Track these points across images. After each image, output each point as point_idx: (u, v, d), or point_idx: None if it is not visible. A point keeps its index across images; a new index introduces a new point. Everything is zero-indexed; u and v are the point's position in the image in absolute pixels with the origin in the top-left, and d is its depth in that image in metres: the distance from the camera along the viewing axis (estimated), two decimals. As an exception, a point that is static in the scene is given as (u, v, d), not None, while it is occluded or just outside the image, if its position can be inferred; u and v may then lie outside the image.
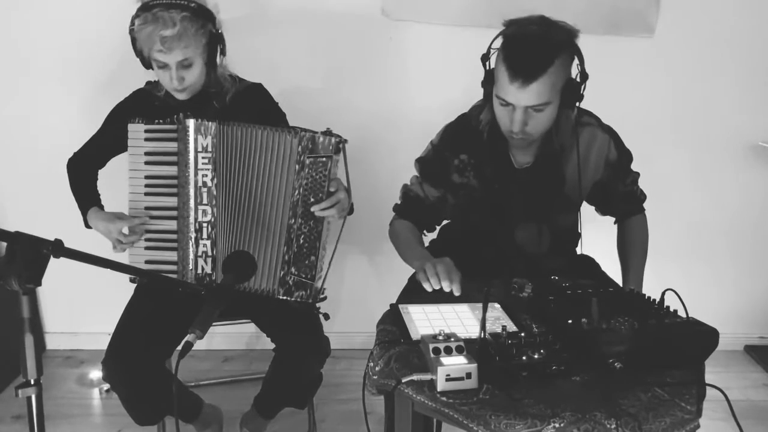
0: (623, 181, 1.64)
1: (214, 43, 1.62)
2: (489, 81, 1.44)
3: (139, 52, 1.60)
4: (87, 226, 1.68)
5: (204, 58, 1.61)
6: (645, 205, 1.72)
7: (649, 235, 1.70)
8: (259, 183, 1.57)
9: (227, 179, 1.58)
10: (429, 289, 1.38)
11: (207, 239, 1.59)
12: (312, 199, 1.54)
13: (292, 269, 1.58)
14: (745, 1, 2.28)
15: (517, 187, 1.56)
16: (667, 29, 2.28)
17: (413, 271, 1.62)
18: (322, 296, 1.62)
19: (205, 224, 1.58)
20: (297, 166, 1.52)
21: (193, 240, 1.58)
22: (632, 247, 1.68)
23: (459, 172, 1.58)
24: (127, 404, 1.63)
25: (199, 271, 1.59)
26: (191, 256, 1.59)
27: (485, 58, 1.44)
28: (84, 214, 1.67)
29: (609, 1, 2.23)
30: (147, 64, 1.62)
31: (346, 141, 1.52)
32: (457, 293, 1.36)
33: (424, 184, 1.62)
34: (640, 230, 1.70)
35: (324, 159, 1.51)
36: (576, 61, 1.41)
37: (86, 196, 1.71)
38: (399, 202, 1.69)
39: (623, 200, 1.68)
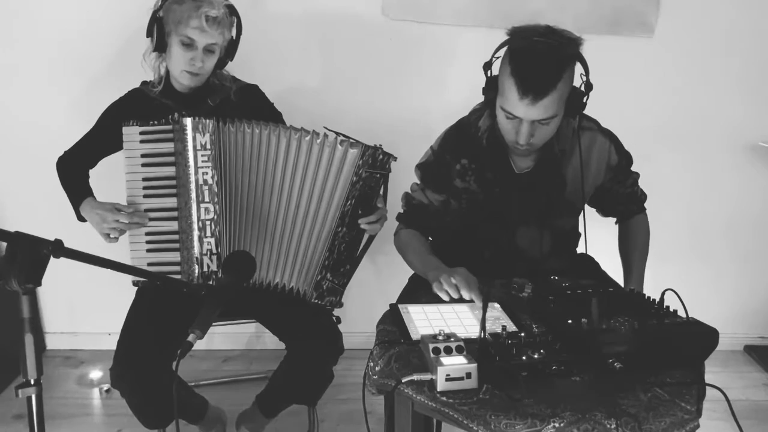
0: (624, 184, 1.64)
1: (232, 45, 1.71)
2: (491, 89, 1.42)
3: (158, 30, 1.62)
4: (79, 218, 1.66)
5: (221, 52, 1.68)
6: (645, 204, 1.72)
7: (650, 234, 1.71)
8: (269, 182, 1.59)
9: (229, 176, 1.59)
10: (446, 299, 1.37)
11: (211, 237, 1.59)
12: (360, 211, 1.56)
13: (328, 275, 1.61)
14: (744, 1, 2.28)
15: (518, 191, 1.55)
16: (667, 29, 2.28)
17: (413, 271, 1.63)
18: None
19: (208, 222, 1.58)
20: (354, 178, 1.54)
21: (197, 238, 1.58)
22: (633, 246, 1.68)
23: (460, 176, 1.57)
24: (136, 410, 1.62)
25: (205, 269, 1.59)
26: (196, 254, 1.59)
27: (487, 66, 1.43)
28: (77, 205, 1.66)
29: (609, 1, 2.23)
30: (161, 40, 1.63)
31: (395, 159, 1.57)
32: (477, 301, 1.35)
33: (427, 191, 1.61)
34: (641, 229, 1.70)
35: (378, 175, 1.55)
36: (581, 71, 1.40)
37: (78, 190, 1.69)
38: (402, 211, 1.67)
39: (624, 201, 1.68)
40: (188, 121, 1.55)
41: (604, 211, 1.72)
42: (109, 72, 2.24)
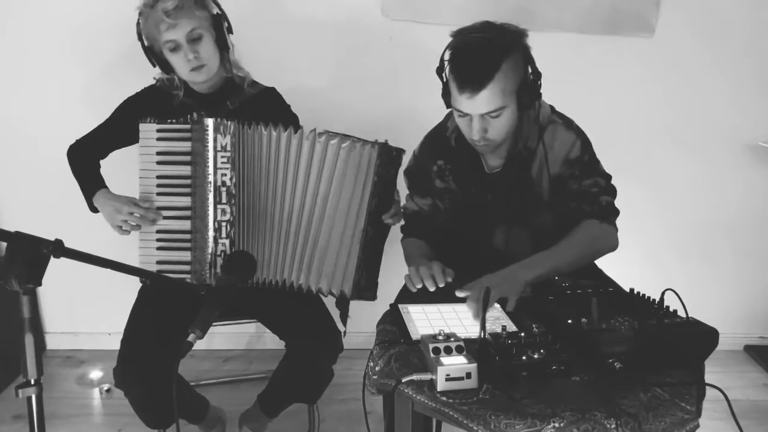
0: (580, 182, 1.48)
1: (219, 19, 1.65)
2: (446, 92, 1.43)
3: (150, 51, 1.62)
4: (91, 208, 1.66)
5: (212, 33, 1.63)
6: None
7: (600, 244, 1.47)
8: (301, 185, 1.60)
9: (248, 179, 1.59)
10: (413, 290, 1.39)
11: (225, 238, 1.59)
12: (381, 208, 1.60)
13: (364, 273, 1.64)
14: (744, 1, 2.28)
15: (491, 192, 1.56)
16: (667, 29, 2.28)
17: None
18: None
19: (224, 223, 1.58)
20: (375, 177, 1.56)
21: (211, 239, 1.58)
22: (565, 239, 1.43)
23: (439, 177, 1.59)
24: (139, 409, 1.62)
25: (218, 269, 1.59)
26: (210, 255, 1.59)
27: (440, 70, 1.43)
28: (90, 195, 1.64)
29: (609, 1, 2.23)
30: (162, 62, 1.63)
31: (404, 152, 1.60)
32: (441, 285, 1.37)
33: (415, 197, 1.64)
34: (586, 232, 1.44)
35: (393, 171, 1.58)
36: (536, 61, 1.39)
37: (92, 179, 1.68)
38: (402, 223, 1.70)
39: (576, 198, 1.48)
40: (210, 122, 1.55)
41: (559, 214, 1.53)
42: (109, 73, 2.24)
